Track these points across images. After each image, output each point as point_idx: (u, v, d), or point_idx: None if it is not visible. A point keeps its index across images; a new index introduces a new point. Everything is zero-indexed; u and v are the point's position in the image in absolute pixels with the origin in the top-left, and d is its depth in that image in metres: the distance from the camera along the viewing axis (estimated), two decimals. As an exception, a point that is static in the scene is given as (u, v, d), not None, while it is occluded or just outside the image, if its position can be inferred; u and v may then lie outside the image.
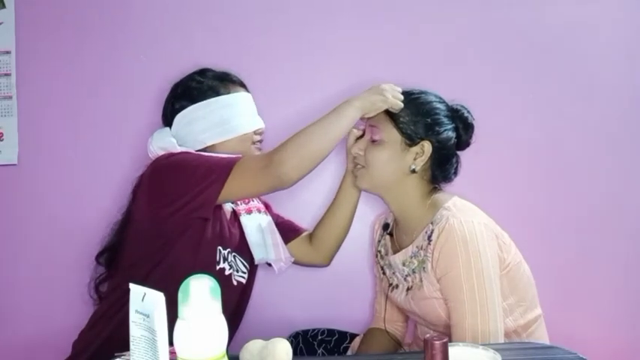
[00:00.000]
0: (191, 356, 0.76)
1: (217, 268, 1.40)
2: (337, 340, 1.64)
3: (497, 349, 0.93)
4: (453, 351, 0.90)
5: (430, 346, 0.85)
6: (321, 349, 1.62)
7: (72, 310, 1.63)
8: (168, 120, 1.53)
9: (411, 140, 1.40)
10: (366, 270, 1.78)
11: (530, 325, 1.41)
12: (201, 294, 0.76)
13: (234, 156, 1.37)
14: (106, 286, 1.47)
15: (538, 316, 1.44)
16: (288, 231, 1.61)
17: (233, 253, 1.45)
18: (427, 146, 1.40)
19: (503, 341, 1.29)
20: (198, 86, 1.51)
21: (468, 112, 1.48)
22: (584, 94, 1.84)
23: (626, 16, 1.85)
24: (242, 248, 1.49)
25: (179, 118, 1.49)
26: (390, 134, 1.40)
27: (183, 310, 0.77)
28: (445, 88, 1.49)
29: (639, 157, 1.86)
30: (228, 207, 1.52)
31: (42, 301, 1.77)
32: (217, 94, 1.50)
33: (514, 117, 1.82)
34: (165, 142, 1.45)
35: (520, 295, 1.39)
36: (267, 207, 1.63)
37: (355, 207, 1.58)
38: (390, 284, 1.49)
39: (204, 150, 1.47)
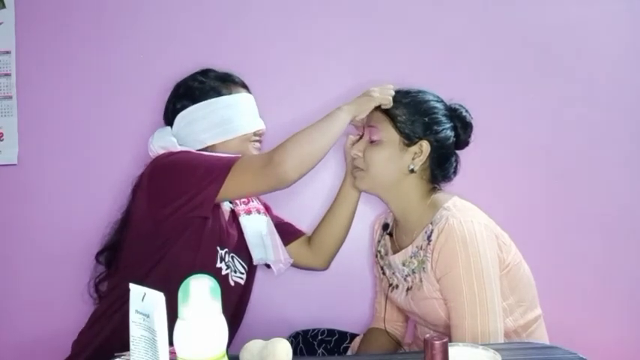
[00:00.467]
0: (191, 356, 0.76)
1: (215, 267, 1.40)
2: (337, 340, 1.64)
3: (497, 349, 0.93)
4: (453, 351, 0.90)
5: (430, 346, 0.85)
6: (321, 349, 1.62)
7: (72, 310, 1.63)
8: (169, 119, 1.53)
9: (409, 140, 1.40)
10: (366, 270, 1.78)
11: (530, 326, 1.41)
12: (201, 294, 0.76)
13: (233, 155, 1.37)
14: (106, 286, 1.47)
15: (538, 317, 1.44)
16: (287, 233, 1.61)
17: (231, 254, 1.45)
18: (425, 146, 1.40)
19: (503, 341, 1.29)
20: (200, 86, 1.51)
21: (467, 111, 1.47)
22: (584, 94, 1.84)
23: (626, 16, 1.85)
24: (240, 249, 1.49)
25: (180, 118, 1.49)
26: (389, 134, 1.41)
27: (183, 310, 0.77)
28: (445, 88, 1.49)
29: (639, 157, 1.86)
30: (226, 207, 1.52)
31: (42, 300, 1.77)
32: (219, 94, 1.50)
33: (514, 117, 1.82)
34: (165, 142, 1.45)
35: (520, 296, 1.39)
36: (267, 209, 1.63)
37: (354, 210, 1.59)
38: (390, 284, 1.49)
39: (204, 150, 1.47)
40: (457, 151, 1.48)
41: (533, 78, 1.83)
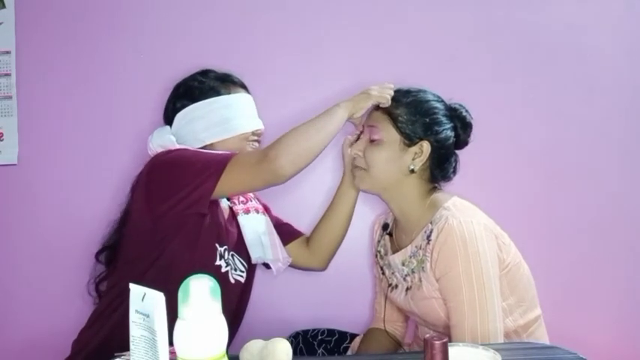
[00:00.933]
0: (191, 356, 0.76)
1: (214, 265, 1.40)
2: (337, 340, 1.64)
3: (497, 349, 0.93)
4: (453, 351, 0.90)
5: (430, 346, 0.85)
6: (321, 349, 1.62)
7: (72, 310, 1.63)
8: (169, 119, 1.54)
9: (410, 140, 1.40)
10: (366, 270, 1.78)
11: (530, 326, 1.41)
12: (201, 294, 0.76)
13: (229, 152, 1.38)
14: (106, 285, 1.47)
15: (538, 317, 1.44)
16: (286, 234, 1.61)
17: (231, 252, 1.46)
18: (426, 146, 1.40)
19: (503, 341, 1.29)
20: (199, 86, 1.52)
21: (467, 111, 1.48)
22: (584, 94, 1.84)
23: (626, 16, 1.85)
24: (240, 247, 1.50)
25: (180, 117, 1.50)
26: (389, 134, 1.41)
27: (183, 310, 0.77)
28: (445, 88, 1.49)
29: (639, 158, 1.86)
30: (225, 206, 1.52)
31: (42, 300, 1.77)
32: (218, 94, 1.51)
33: (514, 117, 1.82)
34: (164, 140, 1.45)
35: (520, 296, 1.39)
36: (266, 209, 1.64)
37: (352, 209, 1.59)
38: (390, 284, 1.49)
39: (203, 148, 1.47)
40: (456, 151, 1.48)
41: (532, 78, 1.83)
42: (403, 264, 1.42)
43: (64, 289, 1.73)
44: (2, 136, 1.76)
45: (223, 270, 1.42)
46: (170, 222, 1.34)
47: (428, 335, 0.87)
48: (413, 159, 1.40)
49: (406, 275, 1.42)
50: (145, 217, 1.36)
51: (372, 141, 1.42)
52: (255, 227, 1.53)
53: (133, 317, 0.81)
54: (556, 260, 1.81)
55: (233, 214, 1.54)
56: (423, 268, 1.36)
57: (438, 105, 1.44)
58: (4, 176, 1.76)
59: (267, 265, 1.57)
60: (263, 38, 1.79)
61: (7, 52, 1.76)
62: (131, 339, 0.82)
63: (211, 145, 1.49)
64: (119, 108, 1.78)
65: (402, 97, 1.43)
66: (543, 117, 1.83)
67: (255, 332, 1.17)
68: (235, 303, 1.48)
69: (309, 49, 1.80)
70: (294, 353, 1.04)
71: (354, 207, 1.59)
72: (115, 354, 1.04)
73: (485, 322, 1.26)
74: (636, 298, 1.86)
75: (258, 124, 1.54)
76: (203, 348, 0.76)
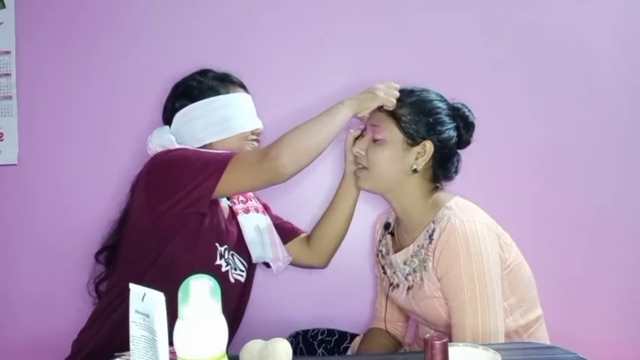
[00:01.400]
0: (191, 356, 0.76)
1: (214, 264, 1.40)
2: (337, 340, 1.64)
3: (497, 349, 0.93)
4: (453, 351, 0.90)
5: (430, 346, 0.85)
6: (321, 349, 1.62)
7: (72, 310, 1.63)
8: (168, 119, 1.54)
9: (413, 140, 1.40)
10: (367, 270, 1.78)
11: (531, 326, 1.41)
12: (201, 294, 0.76)
13: (230, 151, 1.38)
14: (105, 285, 1.47)
15: (539, 317, 1.44)
16: (286, 232, 1.61)
17: (231, 251, 1.46)
18: (429, 146, 1.40)
19: (503, 341, 1.29)
20: (198, 86, 1.52)
21: (469, 110, 1.47)
22: (584, 94, 1.84)
23: (626, 16, 1.85)
24: (240, 247, 1.49)
25: (179, 117, 1.50)
26: (392, 133, 1.40)
27: (183, 310, 0.76)
28: (445, 88, 1.49)
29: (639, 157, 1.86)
30: (225, 205, 1.52)
31: (42, 300, 1.77)
32: (217, 93, 1.51)
33: (514, 117, 1.82)
34: (164, 140, 1.45)
35: (521, 296, 1.39)
36: (266, 208, 1.64)
37: (353, 208, 1.59)
38: (391, 284, 1.49)
39: (202, 148, 1.47)
40: (458, 151, 1.48)
41: (532, 78, 1.83)
42: (405, 263, 1.42)
43: (64, 289, 1.73)
44: (2, 136, 1.76)
45: (223, 269, 1.42)
46: (170, 222, 1.34)
47: (428, 335, 0.87)
48: (416, 159, 1.40)
49: (408, 274, 1.42)
50: (144, 216, 1.36)
51: (374, 140, 1.42)
52: (255, 226, 1.53)
53: (133, 317, 0.81)
54: (556, 260, 1.81)
55: (233, 214, 1.54)
56: (424, 267, 1.36)
57: (441, 104, 1.44)
58: (4, 176, 1.77)
59: (267, 265, 1.57)
60: (262, 38, 1.79)
61: (7, 52, 1.76)
62: (131, 339, 0.82)
63: (210, 144, 1.49)
64: (119, 108, 1.78)
65: (405, 96, 1.43)
66: (543, 117, 1.83)
67: (255, 332, 1.17)
68: (235, 303, 1.48)
69: (308, 49, 1.80)
70: (294, 353, 1.04)
71: (354, 206, 1.58)
72: (115, 354, 1.04)
73: (487, 321, 1.26)
74: (636, 298, 1.86)
75: (257, 124, 1.54)
76: (203, 348, 0.76)
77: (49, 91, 1.77)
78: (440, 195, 1.42)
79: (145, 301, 0.79)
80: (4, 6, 1.76)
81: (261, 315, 1.70)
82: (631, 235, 1.86)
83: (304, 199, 1.77)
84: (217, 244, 1.41)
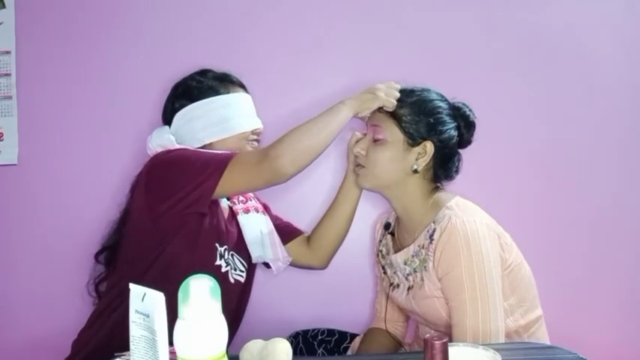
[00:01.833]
0: (191, 356, 0.76)
1: (214, 264, 1.40)
2: (337, 340, 1.64)
3: (497, 349, 0.93)
4: (453, 351, 0.90)
5: (430, 346, 0.85)
6: (321, 349, 1.62)
7: (72, 310, 1.63)
8: (168, 119, 1.54)
9: (413, 140, 1.40)
10: (367, 270, 1.78)
11: (531, 326, 1.41)
12: (201, 294, 0.76)
13: (230, 152, 1.38)
14: (105, 285, 1.47)
15: (539, 317, 1.44)
16: (286, 232, 1.61)
17: (231, 251, 1.46)
18: (429, 147, 1.40)
19: (503, 341, 1.29)
20: (198, 86, 1.52)
21: (470, 110, 1.47)
22: (584, 94, 1.84)
23: (626, 16, 1.85)
24: (240, 247, 1.49)
25: (179, 117, 1.50)
26: (393, 133, 1.40)
27: (183, 310, 0.76)
28: (444, 88, 1.49)
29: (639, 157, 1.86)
30: (225, 205, 1.52)
31: (42, 300, 1.77)
32: (217, 93, 1.51)
33: (514, 117, 1.82)
34: (164, 140, 1.45)
35: (521, 296, 1.39)
36: (266, 208, 1.64)
37: (354, 208, 1.59)
38: (391, 284, 1.49)
39: (202, 148, 1.47)
40: (459, 150, 1.48)
41: (533, 77, 1.83)
42: (405, 263, 1.42)
43: (64, 289, 1.73)
44: (2, 136, 1.76)
45: (223, 270, 1.42)
46: (170, 222, 1.34)
47: (428, 335, 0.87)
48: (416, 159, 1.40)
49: (408, 274, 1.42)
50: (144, 216, 1.36)
51: (375, 140, 1.42)
52: (255, 226, 1.53)
53: (133, 317, 0.81)
54: (556, 260, 1.81)
55: (233, 214, 1.54)
56: (425, 267, 1.36)
57: (442, 104, 1.44)
58: (4, 176, 1.76)
59: (267, 265, 1.57)
60: (262, 38, 1.79)
61: (7, 52, 1.76)
62: (131, 339, 0.82)
63: (210, 144, 1.49)
64: (119, 108, 1.78)
65: (406, 96, 1.43)
66: (543, 117, 1.83)
67: (255, 332, 1.17)
68: (235, 303, 1.48)
69: (308, 49, 1.80)
70: (294, 353, 1.04)
71: (356, 206, 1.58)
72: (115, 354, 1.04)
73: (487, 321, 1.26)
74: (637, 298, 1.86)
75: (256, 124, 1.54)
76: (203, 348, 0.76)
77: (49, 91, 1.77)
78: (440, 195, 1.42)
79: (145, 301, 0.79)
80: (4, 6, 1.76)
81: (261, 315, 1.70)
82: (631, 235, 1.86)
83: (305, 200, 1.77)
84: (217, 245, 1.41)
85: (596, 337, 1.78)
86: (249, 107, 1.55)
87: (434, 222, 1.35)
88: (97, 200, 1.73)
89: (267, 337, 1.03)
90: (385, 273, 1.52)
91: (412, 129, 1.40)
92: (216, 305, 0.78)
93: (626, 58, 1.85)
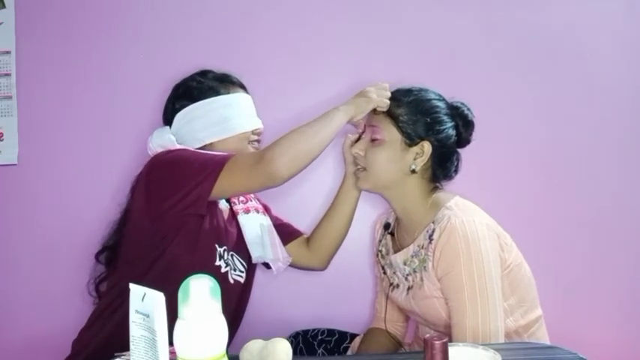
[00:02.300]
0: (191, 356, 0.76)
1: (214, 265, 1.40)
2: (337, 340, 1.64)
3: (497, 349, 0.93)
4: (453, 351, 0.90)
5: (430, 346, 0.85)
6: (321, 349, 1.62)
7: (72, 309, 1.63)
8: (168, 119, 1.54)
9: (411, 140, 1.40)
10: (367, 270, 1.78)
11: (531, 326, 1.41)
12: (201, 294, 0.76)
13: (227, 153, 1.38)
14: (106, 285, 1.47)
15: (539, 317, 1.44)
16: (286, 233, 1.61)
17: (231, 252, 1.46)
18: (427, 146, 1.40)
19: (503, 341, 1.29)
20: (198, 86, 1.52)
21: (468, 109, 1.47)
22: (584, 94, 1.84)
23: (626, 16, 1.85)
24: (240, 247, 1.50)
25: (179, 117, 1.50)
26: (390, 134, 1.40)
27: (183, 310, 0.77)
28: (444, 88, 1.49)
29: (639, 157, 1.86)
30: (224, 206, 1.52)
31: (42, 300, 1.77)
32: (217, 94, 1.51)
33: (514, 117, 1.82)
34: (164, 140, 1.45)
35: (521, 296, 1.39)
36: (266, 209, 1.64)
37: (354, 210, 1.59)
38: (391, 284, 1.49)
39: (202, 148, 1.47)
40: (458, 150, 1.48)
41: (533, 77, 1.83)
42: (405, 263, 1.42)
43: (64, 289, 1.73)
44: (2, 136, 1.76)
45: (223, 270, 1.42)
46: (170, 222, 1.34)
47: (428, 335, 0.87)
48: (414, 159, 1.40)
49: (408, 275, 1.42)
50: (144, 217, 1.36)
51: (373, 141, 1.42)
52: (255, 227, 1.53)
53: (133, 317, 0.81)
54: (556, 260, 1.81)
55: (233, 214, 1.54)
56: (424, 267, 1.36)
57: (440, 104, 1.44)
58: (4, 176, 1.76)
59: (267, 265, 1.57)
60: (262, 38, 1.79)
61: (7, 52, 1.76)
62: (131, 339, 0.82)
63: (211, 145, 1.49)
64: (119, 108, 1.78)
65: (403, 96, 1.43)
66: (543, 117, 1.83)
67: (255, 332, 1.17)
68: (235, 303, 1.48)
69: (308, 49, 1.80)
70: (294, 353, 1.04)
71: (355, 207, 1.59)
72: (115, 354, 1.04)
73: (487, 321, 1.26)
74: (636, 298, 1.86)
75: (257, 124, 1.54)
76: (203, 348, 0.76)
77: (49, 91, 1.77)
78: (440, 195, 1.42)
79: (145, 301, 0.79)
80: (4, 6, 1.76)
81: (261, 315, 1.70)
82: (631, 235, 1.86)
83: (304, 201, 1.77)
84: (217, 245, 1.41)
85: (596, 337, 1.78)
86: (250, 107, 1.55)
87: (433, 222, 1.35)
88: (97, 200, 1.73)
89: (267, 337, 1.03)
90: (385, 273, 1.52)
91: (409, 129, 1.40)
92: (216, 305, 0.78)
93: (626, 58, 1.85)
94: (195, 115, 1.49)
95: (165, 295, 0.78)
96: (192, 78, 1.55)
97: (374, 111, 1.43)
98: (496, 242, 1.33)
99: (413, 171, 1.40)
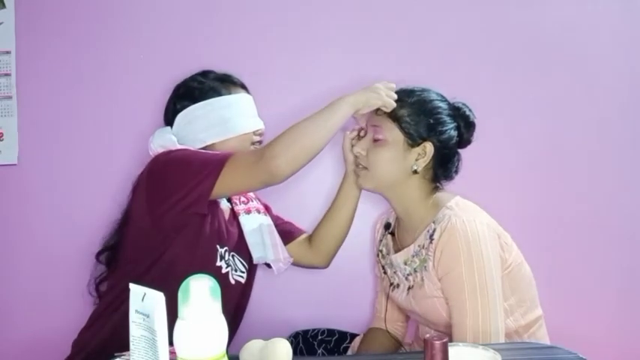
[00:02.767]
0: (191, 356, 0.76)
1: (215, 265, 1.40)
2: (337, 340, 1.64)
3: (497, 349, 0.93)
4: (453, 351, 0.90)
5: (430, 346, 0.85)
6: (321, 349, 1.62)
7: (72, 310, 1.63)
8: (169, 120, 1.54)
9: (413, 140, 1.39)
10: (367, 270, 1.78)
11: (531, 326, 1.41)
12: (201, 294, 0.76)
13: (227, 152, 1.37)
14: (106, 285, 1.47)
15: (539, 317, 1.44)
16: (287, 232, 1.61)
17: (231, 252, 1.46)
18: (429, 147, 1.40)
19: (503, 341, 1.29)
20: (199, 86, 1.52)
21: (470, 110, 1.47)
22: (584, 94, 1.84)
23: (626, 16, 1.85)
24: (241, 248, 1.49)
25: (180, 118, 1.50)
26: (393, 134, 1.40)
27: (183, 310, 0.77)
28: (445, 88, 1.49)
29: (639, 158, 1.86)
30: (225, 206, 1.52)
31: (42, 300, 1.77)
32: (218, 94, 1.50)
33: (514, 117, 1.82)
34: (165, 140, 1.45)
35: (521, 296, 1.39)
36: (267, 208, 1.64)
37: (355, 208, 1.58)
38: (391, 284, 1.49)
39: (204, 149, 1.47)
40: (459, 150, 1.48)
41: (533, 77, 1.83)
42: (405, 263, 1.42)
43: (64, 289, 1.73)
44: (2, 136, 1.76)
45: (224, 271, 1.42)
46: (170, 222, 1.34)
47: (428, 335, 0.87)
48: (416, 160, 1.40)
49: (408, 274, 1.42)
50: (145, 217, 1.36)
51: (375, 140, 1.42)
52: (256, 227, 1.53)
53: (133, 317, 0.81)
54: (556, 260, 1.81)
55: (234, 215, 1.54)
56: (425, 267, 1.36)
57: (442, 104, 1.44)
58: (4, 176, 1.76)
59: (268, 265, 1.57)
60: (263, 38, 1.79)
61: (7, 52, 1.76)
62: (131, 339, 0.82)
63: (212, 145, 1.48)
64: (119, 108, 1.78)
65: (406, 96, 1.42)
66: (543, 117, 1.83)
67: (255, 332, 1.17)
68: (235, 303, 1.48)
69: (309, 49, 1.80)
70: (294, 353, 1.04)
71: (356, 205, 1.58)
72: (115, 354, 1.04)
73: (487, 321, 1.26)
74: (636, 298, 1.86)
75: (258, 124, 1.54)
76: (203, 348, 0.76)
77: (50, 91, 1.77)
78: (440, 195, 1.42)
79: (145, 301, 0.79)
80: (4, 6, 1.76)
81: (261, 315, 1.70)
82: (631, 235, 1.86)
83: (305, 200, 1.77)
84: (218, 246, 1.41)
85: (596, 337, 1.78)
86: (251, 108, 1.54)
87: (434, 222, 1.35)
88: (97, 200, 1.73)
89: (267, 337, 1.03)
90: (385, 273, 1.52)
91: (412, 129, 1.39)
92: (216, 305, 0.78)
93: (626, 58, 1.85)
94: (196, 115, 1.49)
95: (166, 295, 0.78)
96: (193, 78, 1.55)
97: (376, 111, 1.42)
98: (497, 242, 1.34)
99: (415, 171, 1.40)
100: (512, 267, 1.38)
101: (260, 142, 1.55)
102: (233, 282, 1.45)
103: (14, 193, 1.77)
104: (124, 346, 0.86)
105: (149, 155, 1.48)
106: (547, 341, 1.43)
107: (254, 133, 1.52)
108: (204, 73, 1.56)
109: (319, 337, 1.64)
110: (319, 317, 1.73)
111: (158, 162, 1.39)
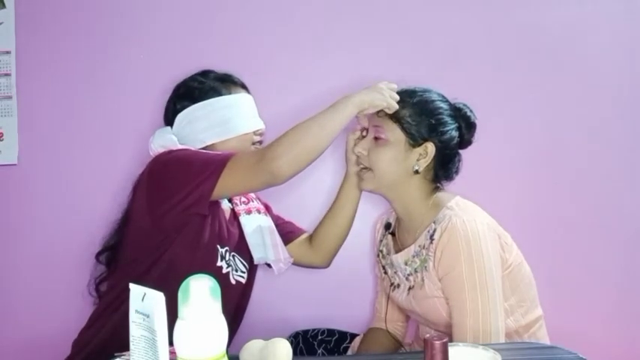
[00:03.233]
0: (191, 356, 0.76)
1: (215, 265, 1.40)
2: (337, 340, 1.64)
3: (497, 349, 0.93)
4: (453, 351, 0.90)
5: (430, 346, 0.85)
6: (321, 349, 1.62)
7: (72, 309, 1.63)
8: (169, 120, 1.53)
9: (415, 141, 1.39)
10: (367, 270, 1.78)
11: (531, 326, 1.41)
12: (201, 294, 0.76)
13: (229, 152, 1.37)
14: (106, 285, 1.47)
15: (539, 317, 1.44)
16: (288, 232, 1.61)
17: (232, 253, 1.46)
18: (430, 148, 1.40)
19: (504, 341, 1.29)
20: (199, 86, 1.51)
21: (471, 110, 1.47)
22: (584, 94, 1.84)
23: (626, 16, 1.85)
24: (241, 248, 1.49)
25: (180, 118, 1.50)
26: (395, 134, 1.40)
27: (183, 310, 0.77)
28: (446, 88, 1.49)
29: (639, 158, 1.86)
30: (226, 206, 1.52)
31: (42, 300, 1.77)
32: (219, 94, 1.50)
33: (514, 117, 1.82)
34: (165, 140, 1.45)
35: (521, 296, 1.39)
36: (268, 208, 1.63)
37: (356, 208, 1.58)
38: (392, 284, 1.49)
39: (204, 149, 1.47)
40: (459, 151, 1.48)
41: (533, 78, 1.83)
42: (406, 263, 1.42)
43: (64, 289, 1.73)
44: (2, 136, 1.77)
45: (224, 271, 1.42)
46: (171, 223, 1.34)
47: (428, 335, 0.87)
48: (417, 160, 1.40)
49: (409, 275, 1.42)
50: (145, 217, 1.36)
51: (377, 139, 1.42)
52: (256, 228, 1.52)
53: (133, 317, 0.81)
54: (556, 260, 1.81)
55: (234, 215, 1.54)
56: (425, 267, 1.36)
57: (443, 105, 1.44)
58: (4, 176, 1.77)
59: (268, 265, 1.57)
60: (263, 38, 1.79)
61: (7, 52, 1.76)
62: (131, 339, 0.82)
63: (213, 145, 1.48)
64: (120, 108, 1.78)
65: (407, 97, 1.42)
66: (543, 117, 1.83)
67: (255, 332, 1.17)
68: (236, 303, 1.48)
69: (310, 48, 1.80)
70: (294, 353, 1.04)
71: (357, 205, 1.57)
72: (115, 354, 1.04)
73: (487, 321, 1.26)
74: (636, 298, 1.86)
75: (258, 124, 1.54)
76: (203, 348, 0.76)
77: (49, 91, 1.77)
78: (441, 195, 1.42)
79: (145, 301, 0.79)
80: (4, 6, 1.76)
81: (261, 315, 1.70)
82: (631, 235, 1.86)
83: (306, 199, 1.77)
84: (218, 246, 1.41)
85: (596, 337, 1.78)
86: (251, 108, 1.54)
87: (434, 222, 1.35)
88: (97, 200, 1.73)
89: (267, 337, 1.03)
90: (386, 273, 1.52)
91: (413, 130, 1.39)
92: (216, 305, 0.78)
93: (626, 58, 1.85)
94: (197, 115, 1.48)
95: (166, 295, 0.78)
96: (193, 78, 1.54)
97: (378, 111, 1.42)
98: (497, 242, 1.34)
99: (416, 172, 1.40)
100: (513, 267, 1.38)
101: (260, 142, 1.55)
102: (234, 282, 1.45)
103: (14, 193, 1.77)
104: (124, 346, 0.86)
105: (149, 155, 1.48)
106: (547, 341, 1.43)
107: (254, 133, 1.52)
108: (205, 73, 1.56)
109: (319, 337, 1.64)
110: (319, 317, 1.73)
111: (159, 162, 1.39)
